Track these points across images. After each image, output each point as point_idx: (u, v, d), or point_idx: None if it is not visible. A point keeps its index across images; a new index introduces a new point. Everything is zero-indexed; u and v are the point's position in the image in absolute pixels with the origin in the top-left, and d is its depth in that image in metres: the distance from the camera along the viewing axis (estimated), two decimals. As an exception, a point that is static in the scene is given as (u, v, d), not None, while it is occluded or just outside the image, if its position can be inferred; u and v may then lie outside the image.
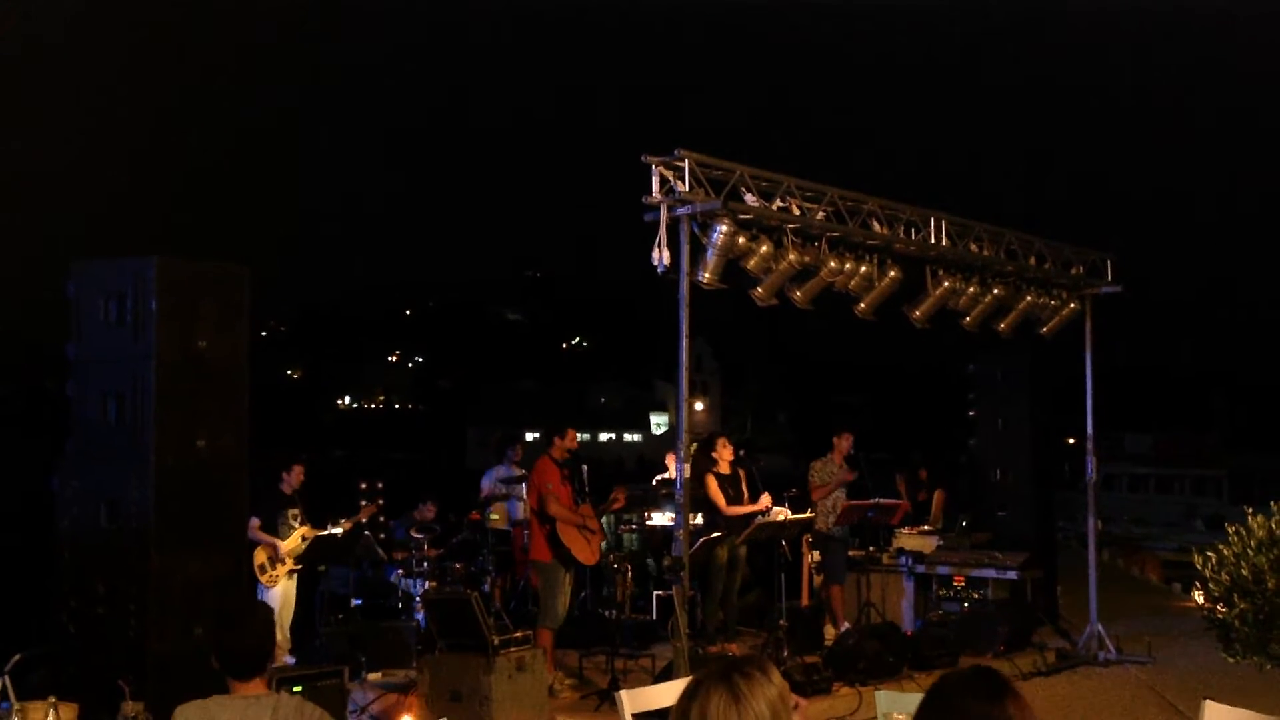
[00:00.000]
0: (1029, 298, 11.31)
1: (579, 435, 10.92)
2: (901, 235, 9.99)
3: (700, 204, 8.36)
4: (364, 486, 11.15)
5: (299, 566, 10.15)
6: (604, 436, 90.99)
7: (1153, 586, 18.33)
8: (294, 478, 10.31)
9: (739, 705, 2.66)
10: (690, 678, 2.75)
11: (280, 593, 9.91)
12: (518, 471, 12.37)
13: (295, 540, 10.05)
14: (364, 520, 10.71)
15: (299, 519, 10.17)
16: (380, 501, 11.32)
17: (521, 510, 12.13)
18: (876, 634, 10.15)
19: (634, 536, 12.68)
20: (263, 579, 9.77)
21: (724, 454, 11.06)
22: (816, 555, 11.82)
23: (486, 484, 12.57)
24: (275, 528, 9.99)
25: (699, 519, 10.92)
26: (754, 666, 2.77)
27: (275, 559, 9.91)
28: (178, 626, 6.76)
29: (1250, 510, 10.46)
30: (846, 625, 11.04)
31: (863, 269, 9.70)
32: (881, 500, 11.50)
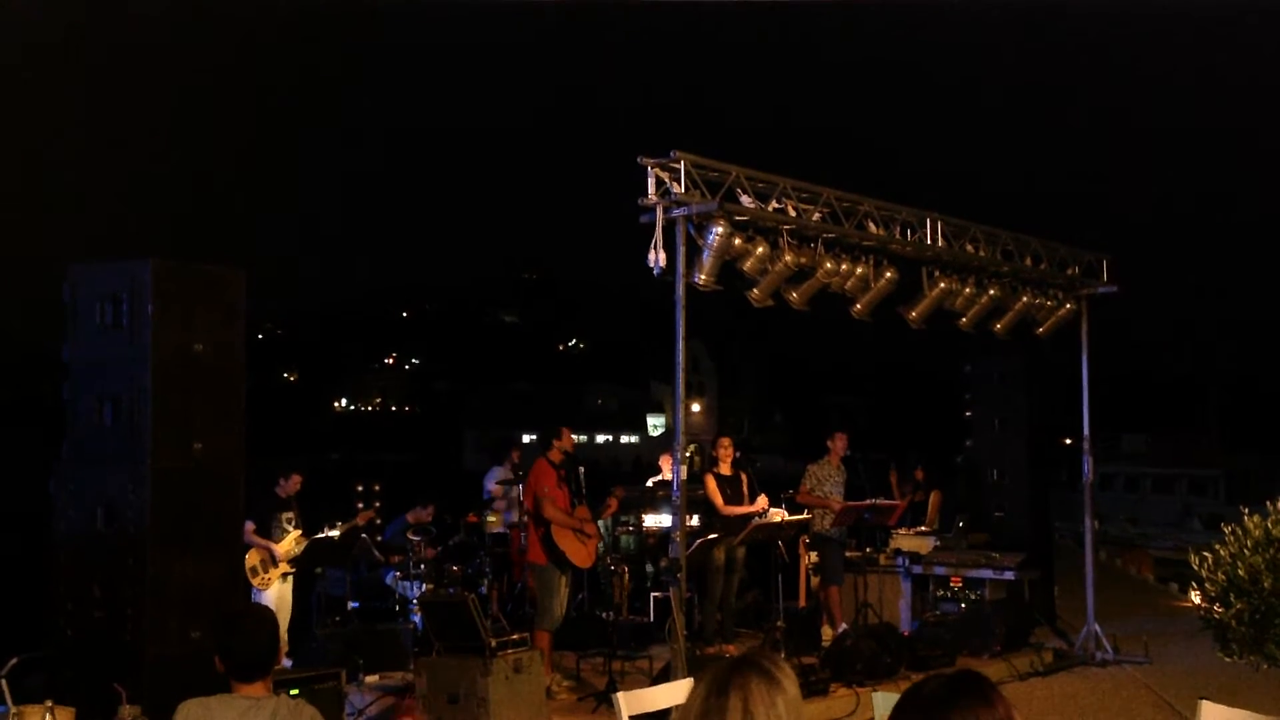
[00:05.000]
0: (1025, 298, 11.32)
1: (576, 437, 10.93)
2: (897, 236, 9.99)
3: (696, 205, 8.36)
4: (360, 489, 11.14)
5: (293, 569, 10.13)
6: (601, 438, 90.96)
7: (1150, 586, 18.36)
8: (290, 484, 10.28)
9: (781, 687, 2.64)
10: (710, 675, 2.72)
11: (274, 596, 9.87)
12: (506, 474, 12.41)
13: (290, 543, 10.03)
14: (361, 524, 10.69)
15: (293, 522, 10.14)
16: (377, 505, 11.32)
17: (516, 514, 12.15)
18: (874, 635, 10.15)
19: (631, 538, 12.69)
20: (255, 582, 9.73)
21: (726, 454, 11.06)
22: (814, 556, 11.83)
23: (490, 485, 12.60)
24: (269, 531, 9.97)
25: (696, 520, 10.93)
26: (776, 656, 2.79)
27: (269, 562, 9.88)
28: (174, 630, 6.76)
29: (1247, 510, 10.48)
30: (844, 626, 11.03)
31: (859, 270, 9.71)
32: (878, 501, 11.50)
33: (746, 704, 2.60)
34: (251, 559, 9.71)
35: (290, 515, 10.15)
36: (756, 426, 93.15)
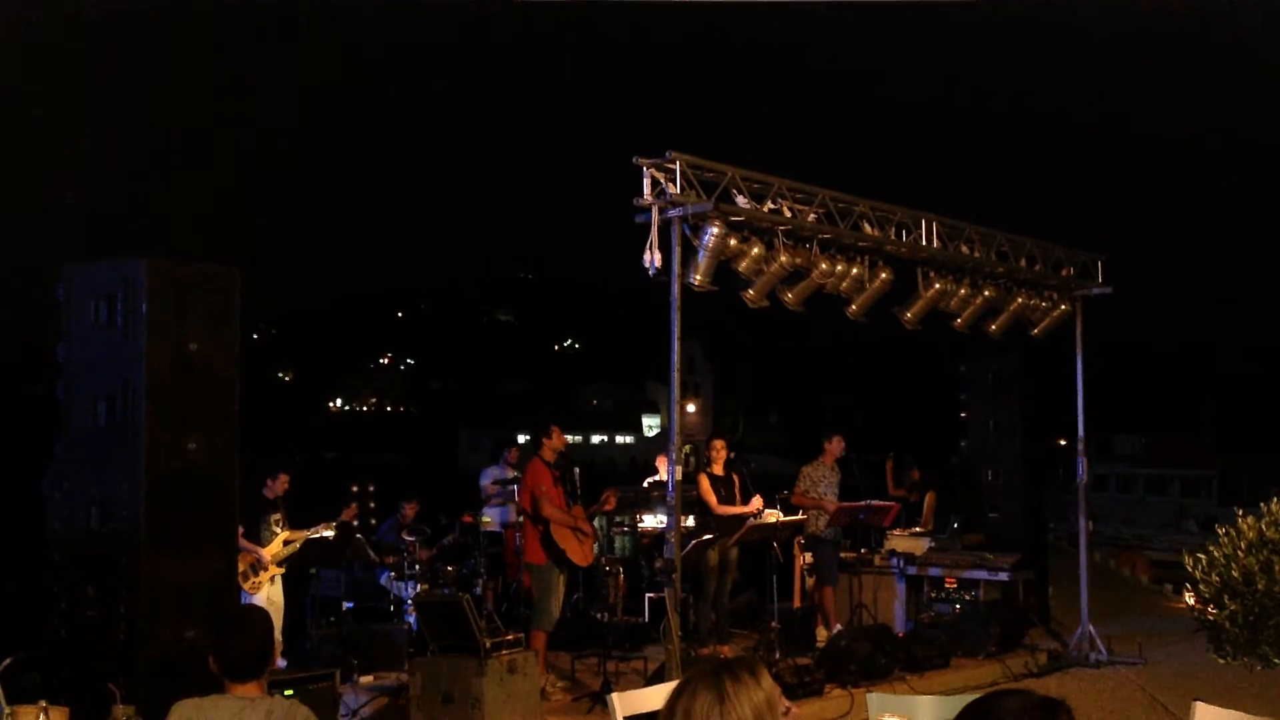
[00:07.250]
0: (1020, 299, 11.33)
1: (571, 437, 10.91)
2: (892, 237, 10.00)
3: (691, 206, 8.37)
4: (355, 489, 11.12)
5: (283, 569, 10.09)
6: (596, 438, 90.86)
7: (1144, 587, 18.38)
8: (278, 485, 10.20)
9: (723, 706, 2.67)
10: (678, 680, 2.78)
11: (265, 598, 9.82)
12: (510, 473, 12.37)
13: (278, 545, 9.97)
14: (352, 522, 10.66)
15: (281, 523, 10.07)
16: (372, 504, 11.30)
17: (512, 514, 12.14)
18: (868, 635, 10.16)
19: (626, 539, 12.68)
20: (246, 586, 9.64)
21: (719, 455, 11.07)
22: (808, 557, 11.84)
23: (485, 483, 12.58)
24: (258, 533, 9.87)
25: (691, 521, 10.93)
26: (744, 668, 2.78)
27: (258, 565, 9.83)
28: (168, 629, 6.74)
29: (1241, 511, 10.49)
30: (838, 627, 11.04)
31: (854, 271, 9.72)
32: (873, 502, 11.52)
33: (688, 714, 2.65)
34: (240, 564, 9.64)
35: (279, 516, 10.06)
36: (752, 427, 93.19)
